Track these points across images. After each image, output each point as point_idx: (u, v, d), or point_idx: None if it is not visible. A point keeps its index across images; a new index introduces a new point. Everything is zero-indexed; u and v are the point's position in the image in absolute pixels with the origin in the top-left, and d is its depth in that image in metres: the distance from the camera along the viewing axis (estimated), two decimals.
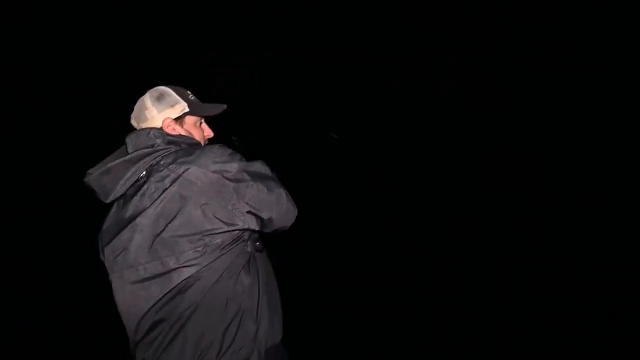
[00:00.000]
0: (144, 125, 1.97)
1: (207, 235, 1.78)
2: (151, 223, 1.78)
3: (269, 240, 2.01)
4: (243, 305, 1.83)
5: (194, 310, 1.79)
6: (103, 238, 1.88)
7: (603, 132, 4.68)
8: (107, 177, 1.86)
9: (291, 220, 1.91)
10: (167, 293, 1.79)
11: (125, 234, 1.81)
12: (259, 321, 1.85)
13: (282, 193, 1.85)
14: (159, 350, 1.80)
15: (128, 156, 1.86)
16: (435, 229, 4.90)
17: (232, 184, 1.78)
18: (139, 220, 1.80)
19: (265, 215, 1.83)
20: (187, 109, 1.98)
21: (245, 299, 1.83)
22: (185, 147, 1.90)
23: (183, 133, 1.98)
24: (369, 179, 4.91)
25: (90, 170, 1.89)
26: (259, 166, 1.87)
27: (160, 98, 1.98)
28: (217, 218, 1.77)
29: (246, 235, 1.86)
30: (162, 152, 1.86)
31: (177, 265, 1.77)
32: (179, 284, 1.78)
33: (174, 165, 1.81)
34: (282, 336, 1.93)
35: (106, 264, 1.86)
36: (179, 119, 1.98)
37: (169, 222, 1.77)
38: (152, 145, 1.89)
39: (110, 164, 1.86)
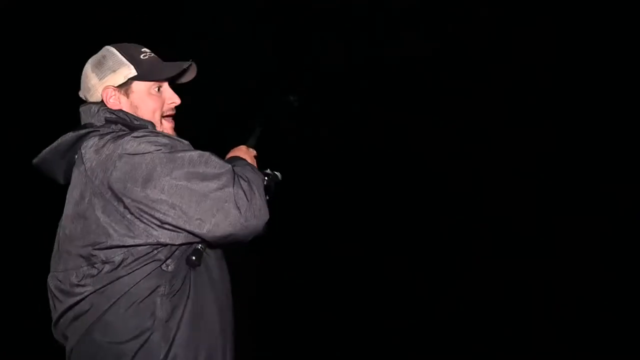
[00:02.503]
0: (89, 97, 1.61)
1: (100, 249, 1.41)
2: (66, 225, 1.49)
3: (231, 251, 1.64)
4: (145, 346, 1.41)
5: (76, 346, 1.46)
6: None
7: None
8: (45, 167, 1.58)
9: (250, 233, 1.44)
10: (64, 313, 1.48)
11: (61, 230, 1.54)
12: None
13: (228, 195, 1.39)
14: None
15: (56, 143, 1.54)
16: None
17: (136, 182, 1.37)
18: (62, 220, 1.53)
19: (192, 227, 1.39)
20: (133, 73, 1.57)
21: (149, 337, 1.41)
22: (117, 130, 1.50)
23: (127, 106, 1.58)
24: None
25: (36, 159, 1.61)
26: (194, 157, 1.41)
27: (101, 62, 1.59)
28: (112, 227, 1.40)
29: (162, 251, 1.43)
30: (91, 134, 1.49)
31: (76, 283, 1.44)
32: (73, 305, 1.46)
33: (88, 153, 1.45)
34: None
35: None
36: (124, 87, 1.58)
37: (73, 227, 1.46)
38: (90, 125, 1.54)
39: (43, 154, 1.57)
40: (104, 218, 1.40)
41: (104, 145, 1.44)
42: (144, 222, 1.39)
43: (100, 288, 1.42)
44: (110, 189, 1.39)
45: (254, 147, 1.83)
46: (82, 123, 1.58)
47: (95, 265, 1.42)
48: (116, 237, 1.39)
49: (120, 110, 1.56)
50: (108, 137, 1.46)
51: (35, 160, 1.58)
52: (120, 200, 1.39)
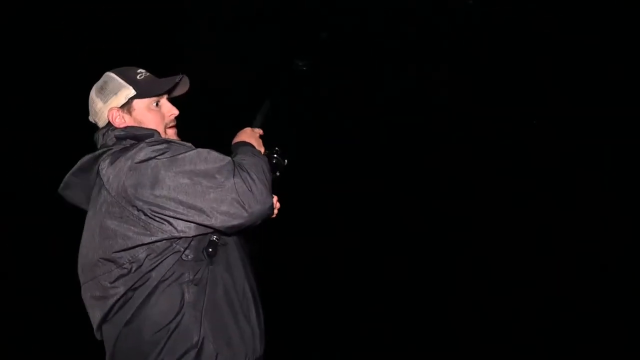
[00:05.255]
0: (97, 120, 1.78)
1: (124, 250, 1.55)
2: (89, 238, 1.62)
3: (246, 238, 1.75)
4: (179, 328, 1.55)
5: (119, 338, 1.59)
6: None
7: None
8: (69, 193, 1.74)
9: (257, 218, 1.56)
10: (105, 315, 1.60)
11: (81, 247, 1.68)
12: (201, 348, 1.55)
13: (229, 187, 1.51)
14: None
15: (75, 166, 1.70)
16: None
17: (145, 187, 1.52)
18: (84, 234, 1.66)
19: (201, 220, 1.53)
20: (132, 93, 1.73)
21: (181, 320, 1.55)
22: (128, 145, 1.65)
23: (133, 123, 1.73)
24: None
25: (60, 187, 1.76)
26: (193, 156, 1.55)
27: (103, 87, 1.75)
28: (130, 230, 1.55)
29: (179, 243, 1.58)
30: (106, 153, 1.63)
31: (109, 285, 1.58)
32: (111, 307, 1.58)
33: (105, 169, 1.59)
34: None
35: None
36: (126, 107, 1.74)
37: (97, 238, 1.59)
38: (104, 146, 1.70)
39: (66, 178, 1.72)
40: (122, 223, 1.55)
41: (117, 159, 1.58)
42: (157, 221, 1.54)
43: (132, 285, 1.56)
44: (125, 197, 1.54)
45: (261, 127, 1.97)
46: (98, 147, 1.74)
47: (124, 266, 1.56)
48: (135, 238, 1.54)
49: (128, 127, 1.72)
50: (119, 152, 1.61)
51: (60, 188, 1.74)
52: (133, 205, 1.54)
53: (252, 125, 1.95)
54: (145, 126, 1.73)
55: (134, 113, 1.74)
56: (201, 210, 1.51)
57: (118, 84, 1.73)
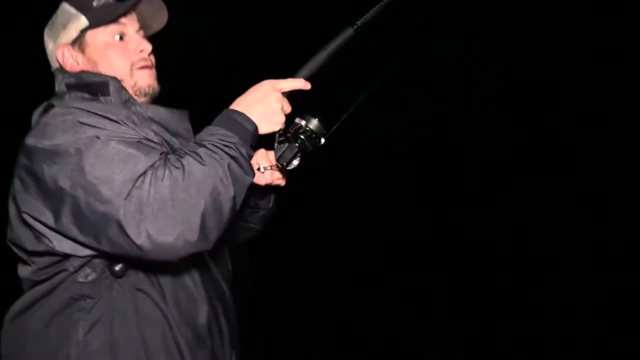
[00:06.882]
0: (53, 67, 1.39)
1: (26, 251, 1.21)
2: None
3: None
4: None
5: (3, 332, 1.26)
6: None
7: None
8: None
9: (159, 256, 1.07)
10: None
11: None
12: None
13: (113, 210, 1.04)
14: None
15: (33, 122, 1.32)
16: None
17: (29, 175, 1.14)
18: None
19: (87, 241, 1.11)
20: (84, 23, 1.30)
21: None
22: (78, 97, 1.27)
23: (86, 65, 1.32)
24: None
25: None
26: (95, 150, 1.09)
27: (53, 22, 1.36)
28: (17, 226, 1.21)
29: (70, 261, 1.17)
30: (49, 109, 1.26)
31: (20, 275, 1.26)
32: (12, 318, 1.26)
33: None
34: None
35: None
36: (77, 43, 1.32)
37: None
38: (56, 96, 1.32)
39: None
40: (14, 212, 1.22)
41: (38, 123, 1.21)
42: (35, 233, 1.17)
43: (27, 300, 1.24)
44: (15, 183, 1.20)
45: (308, 78, 1.32)
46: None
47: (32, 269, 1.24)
48: (23, 239, 1.21)
49: (81, 72, 1.32)
50: (46, 112, 1.23)
51: None
52: (15, 197, 1.20)
53: (295, 75, 1.31)
54: (103, 68, 1.31)
55: (87, 50, 1.32)
56: (83, 231, 1.10)
57: (68, 15, 1.32)
